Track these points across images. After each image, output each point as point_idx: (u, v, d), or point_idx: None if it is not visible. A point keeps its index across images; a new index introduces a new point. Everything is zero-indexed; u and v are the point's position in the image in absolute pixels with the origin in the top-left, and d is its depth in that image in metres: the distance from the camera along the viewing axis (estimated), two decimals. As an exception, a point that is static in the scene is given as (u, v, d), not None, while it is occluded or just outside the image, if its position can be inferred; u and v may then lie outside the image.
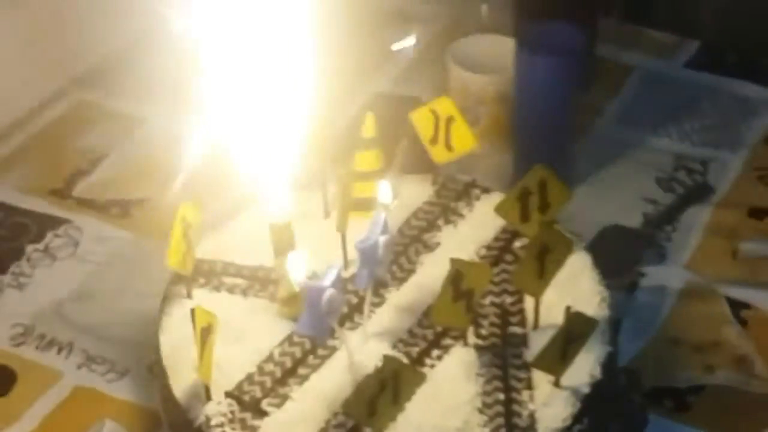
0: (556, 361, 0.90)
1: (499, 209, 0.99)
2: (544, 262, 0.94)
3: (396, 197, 1.05)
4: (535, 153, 1.16)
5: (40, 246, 1.20)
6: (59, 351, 1.08)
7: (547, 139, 1.20)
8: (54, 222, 1.23)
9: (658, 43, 1.46)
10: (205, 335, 0.89)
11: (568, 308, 0.89)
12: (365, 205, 1.02)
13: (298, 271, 0.87)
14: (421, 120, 1.08)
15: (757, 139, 1.31)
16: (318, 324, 0.88)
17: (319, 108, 1.30)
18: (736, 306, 1.10)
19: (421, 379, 0.88)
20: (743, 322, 1.09)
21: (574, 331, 0.89)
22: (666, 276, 1.13)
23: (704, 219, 1.20)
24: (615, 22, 1.46)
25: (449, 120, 1.07)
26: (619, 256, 1.15)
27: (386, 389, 0.84)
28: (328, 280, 0.87)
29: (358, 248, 0.93)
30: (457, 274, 0.91)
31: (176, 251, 0.97)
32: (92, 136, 1.34)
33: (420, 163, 1.11)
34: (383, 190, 0.96)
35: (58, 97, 1.40)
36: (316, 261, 0.93)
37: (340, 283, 0.89)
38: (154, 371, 1.01)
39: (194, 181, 1.21)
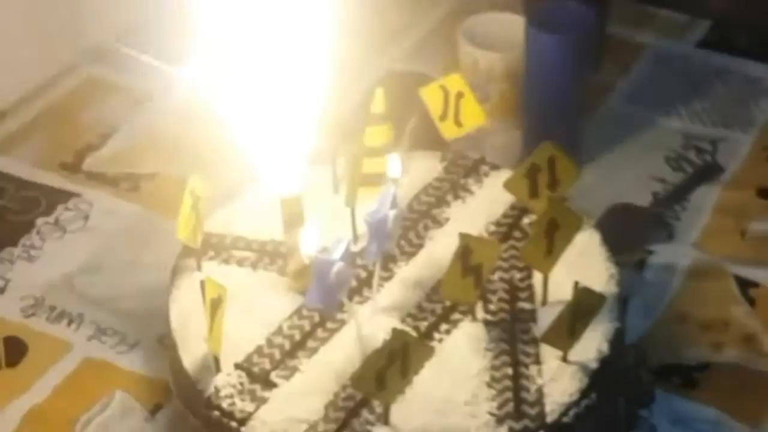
0: (564, 336, 0.90)
1: (508, 185, 0.99)
2: (553, 238, 0.94)
3: (405, 172, 1.06)
4: (545, 131, 1.16)
5: (51, 219, 1.20)
6: (69, 323, 1.09)
7: (556, 117, 1.20)
8: (64, 195, 1.24)
9: (670, 23, 1.45)
10: (214, 307, 0.89)
11: (576, 284, 0.90)
12: (375, 180, 1.02)
13: (310, 244, 0.87)
14: (431, 96, 1.08)
15: (767, 118, 1.31)
16: (326, 297, 0.88)
17: (331, 84, 1.31)
18: (744, 285, 1.10)
19: (429, 352, 0.89)
20: (751, 301, 1.09)
21: (582, 306, 0.90)
22: (674, 254, 1.13)
23: (713, 198, 1.20)
24: (627, 1, 1.46)
25: (459, 96, 1.07)
26: (627, 234, 1.15)
27: (395, 362, 0.84)
28: (336, 253, 0.88)
29: (366, 222, 0.93)
30: (466, 249, 0.91)
31: (185, 224, 0.97)
32: (102, 110, 1.35)
33: (430, 139, 1.11)
34: (392, 165, 0.96)
35: (69, 72, 1.40)
36: (326, 235, 0.93)
37: (349, 256, 0.89)
38: (164, 343, 1.02)
39: (204, 155, 1.22)
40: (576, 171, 1.00)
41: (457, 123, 1.08)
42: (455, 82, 1.08)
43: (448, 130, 1.09)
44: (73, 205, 1.22)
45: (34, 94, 1.37)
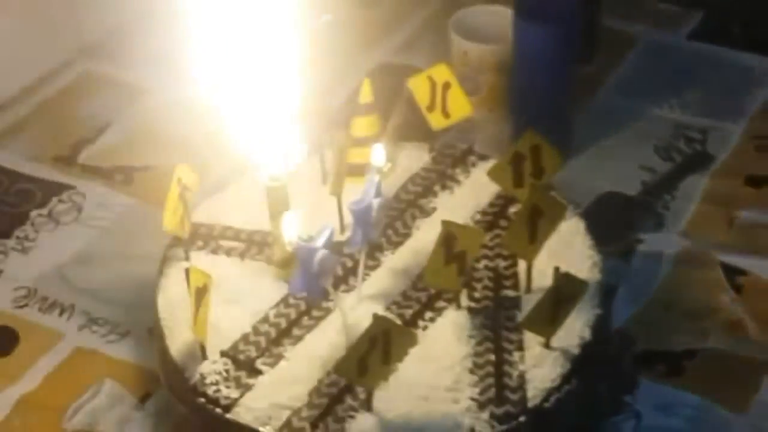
0: (545, 322, 0.91)
1: (492, 174, 1.00)
2: (536, 226, 0.95)
3: (389, 161, 1.07)
4: (534, 121, 1.16)
5: (44, 211, 1.22)
6: (61, 313, 1.10)
7: (545, 107, 1.21)
8: (59, 188, 1.25)
9: (662, 14, 1.46)
10: (199, 295, 0.90)
11: (556, 269, 0.90)
12: (361, 170, 1.03)
13: (291, 231, 0.88)
14: (418, 87, 1.09)
15: (757, 108, 1.31)
16: (310, 285, 0.89)
17: (322, 76, 1.32)
18: (732, 272, 1.11)
19: (411, 338, 0.89)
20: (738, 289, 1.09)
21: (564, 293, 0.90)
22: (662, 242, 1.13)
23: (702, 187, 1.21)
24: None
25: (446, 86, 1.08)
26: (615, 222, 1.15)
27: (376, 349, 0.85)
28: (320, 241, 0.89)
29: (351, 210, 0.94)
30: (449, 236, 0.92)
31: (172, 214, 0.98)
32: (97, 104, 1.36)
33: (421, 130, 1.12)
34: (376, 154, 0.97)
35: (65, 67, 1.41)
36: (313, 225, 0.94)
37: (333, 244, 0.90)
38: (153, 332, 1.03)
39: (195, 147, 1.23)
40: (559, 159, 1.01)
41: (445, 114, 1.09)
42: (442, 73, 1.08)
43: (436, 121, 1.09)
44: (67, 197, 1.23)
45: (31, 88, 1.38)
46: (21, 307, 1.11)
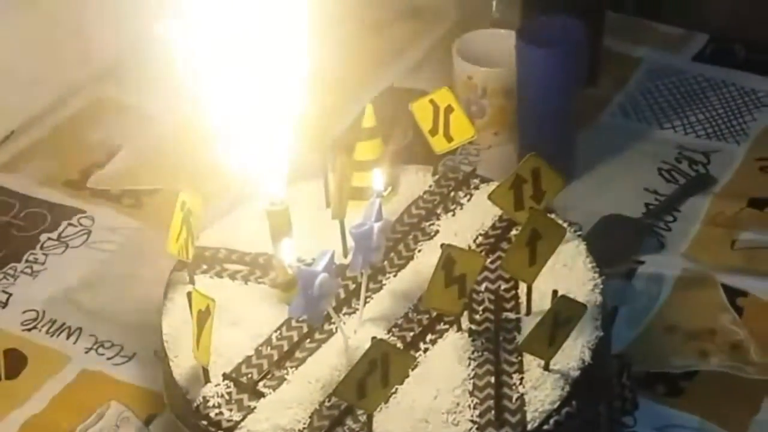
0: (544, 344, 0.91)
1: (493, 198, 1.01)
2: (535, 248, 0.95)
3: (390, 185, 1.08)
4: (539, 144, 1.17)
5: (54, 235, 1.23)
6: (68, 336, 1.11)
7: (549, 130, 1.22)
8: (68, 212, 1.26)
9: (667, 37, 1.47)
10: (202, 318, 0.91)
11: (554, 292, 0.91)
12: (365, 193, 1.04)
13: (288, 255, 0.89)
14: (421, 111, 1.10)
15: (761, 129, 1.32)
16: (311, 308, 0.90)
17: (330, 100, 1.33)
18: (733, 294, 1.11)
19: (410, 360, 0.90)
20: (739, 310, 1.10)
21: (562, 315, 0.91)
22: (664, 264, 1.14)
23: (704, 209, 1.21)
24: (625, 16, 1.48)
25: (448, 110, 1.09)
26: (617, 244, 1.16)
27: (375, 372, 0.86)
28: (320, 264, 0.90)
29: (352, 234, 0.95)
30: (449, 259, 0.93)
31: (176, 238, 1.00)
32: (107, 130, 1.38)
33: (427, 153, 1.13)
34: (377, 178, 0.98)
35: (75, 93, 1.43)
36: (316, 249, 0.95)
37: (333, 267, 0.91)
38: (158, 355, 1.04)
39: (203, 171, 1.24)
40: (560, 181, 1.02)
41: (448, 137, 1.10)
42: (444, 97, 1.09)
43: (439, 145, 1.11)
44: (76, 221, 1.25)
45: (42, 114, 1.41)
46: (29, 330, 1.12)
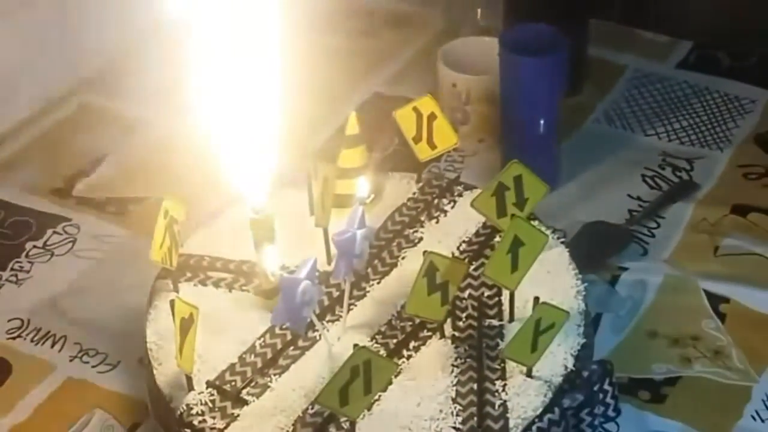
0: (526, 351, 0.92)
1: (476, 205, 1.01)
2: (518, 255, 0.96)
3: (374, 193, 1.08)
4: (522, 151, 1.18)
5: (39, 243, 1.23)
6: (53, 344, 1.11)
7: (532, 137, 1.22)
8: (54, 220, 1.26)
9: (651, 44, 1.48)
10: (185, 326, 0.92)
11: (536, 299, 0.92)
12: (348, 201, 1.04)
13: (271, 263, 0.89)
14: (404, 119, 1.11)
15: (744, 136, 1.32)
16: (293, 315, 0.90)
17: (314, 108, 1.33)
18: (716, 300, 1.12)
19: (392, 368, 0.91)
20: (721, 316, 1.10)
21: (544, 322, 0.92)
22: (647, 270, 1.14)
23: (688, 215, 1.22)
24: (609, 23, 1.48)
25: (431, 117, 1.09)
26: (600, 251, 1.16)
27: (357, 379, 0.87)
28: (303, 272, 0.90)
29: (335, 241, 0.95)
30: (431, 266, 0.93)
31: (159, 245, 1.00)
32: (93, 137, 1.38)
33: (412, 160, 1.13)
34: (360, 186, 0.98)
35: (61, 100, 1.43)
36: (300, 256, 0.95)
37: (316, 275, 0.91)
38: (143, 363, 1.04)
39: (189, 180, 1.24)
40: (543, 188, 1.02)
41: (431, 144, 1.11)
42: (427, 104, 1.10)
43: (422, 152, 1.11)
44: (61, 229, 1.25)
45: (28, 121, 1.41)
46: (14, 338, 1.12)
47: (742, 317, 1.10)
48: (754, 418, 1.01)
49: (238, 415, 0.93)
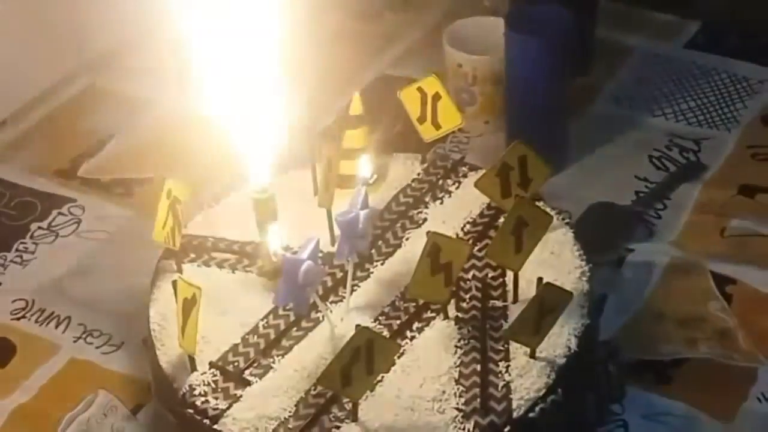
0: (529, 332, 0.91)
1: (479, 185, 1.01)
2: (522, 236, 0.95)
3: (377, 173, 1.08)
4: (528, 132, 1.17)
5: (44, 224, 1.23)
6: (57, 325, 1.11)
7: (538, 118, 1.22)
8: (59, 201, 1.26)
9: (659, 25, 1.47)
10: (188, 307, 0.91)
11: (540, 280, 0.91)
12: (352, 182, 1.04)
13: (274, 243, 0.89)
14: (409, 98, 1.10)
15: (752, 117, 1.31)
16: (296, 296, 0.90)
17: (319, 89, 1.33)
18: (722, 281, 1.11)
19: (395, 348, 0.90)
20: (728, 297, 1.10)
21: (548, 303, 0.91)
22: (653, 252, 1.14)
23: (695, 197, 1.21)
24: (617, 4, 1.47)
25: (436, 97, 1.09)
26: (607, 232, 1.16)
27: (360, 360, 0.86)
28: (305, 252, 0.90)
29: (338, 222, 0.95)
30: (434, 247, 0.92)
31: (162, 226, 1.00)
32: (98, 118, 1.38)
33: (418, 141, 1.13)
34: (363, 166, 0.98)
35: (67, 81, 1.43)
36: (303, 237, 0.94)
37: (319, 255, 0.91)
38: (146, 343, 1.04)
39: (195, 160, 1.24)
40: (547, 170, 1.02)
41: (435, 125, 1.10)
42: (432, 84, 1.09)
43: (427, 132, 1.10)
44: (66, 210, 1.25)
45: (34, 102, 1.41)
46: (18, 319, 1.12)
47: (749, 299, 1.09)
48: (759, 400, 1.00)
49: (241, 396, 0.92)
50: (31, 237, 1.22)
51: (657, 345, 1.05)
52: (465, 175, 1.12)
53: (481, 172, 1.11)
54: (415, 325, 0.98)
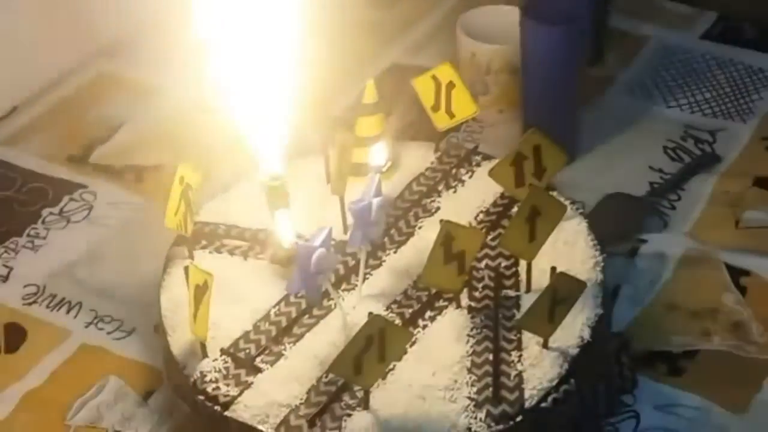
0: (542, 322, 0.91)
1: (494, 174, 1.00)
2: (535, 225, 0.95)
3: (390, 161, 1.07)
4: (542, 121, 1.16)
5: (56, 210, 1.23)
6: (69, 310, 1.11)
7: (553, 107, 1.21)
8: (70, 187, 1.26)
9: (675, 15, 1.46)
10: (200, 293, 0.91)
11: (553, 269, 0.90)
12: (365, 169, 1.03)
13: (286, 230, 0.88)
14: (423, 86, 1.09)
15: (768, 108, 1.31)
16: (308, 284, 0.90)
17: (332, 77, 1.32)
18: (736, 273, 1.10)
19: (407, 336, 0.90)
20: (742, 289, 1.09)
21: (562, 292, 0.91)
22: (667, 243, 1.13)
23: (709, 188, 1.20)
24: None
25: (450, 86, 1.08)
26: (620, 222, 1.15)
27: (372, 348, 0.86)
28: (318, 240, 0.89)
29: (351, 210, 0.94)
30: (447, 236, 0.92)
31: (174, 212, 0.99)
32: (110, 105, 1.38)
33: (431, 130, 1.12)
34: (376, 154, 0.97)
35: (79, 68, 1.43)
36: (316, 224, 0.94)
37: (331, 243, 0.91)
38: (158, 330, 1.04)
39: (206, 147, 1.24)
40: (562, 159, 1.01)
41: (449, 113, 1.10)
42: (446, 72, 1.09)
43: (440, 121, 1.10)
44: (78, 195, 1.25)
45: (46, 89, 1.40)
46: (30, 304, 1.12)
47: (763, 290, 1.09)
48: (773, 392, 1.00)
49: (252, 383, 0.92)
50: (43, 222, 1.22)
51: (670, 336, 1.05)
52: (478, 165, 1.12)
53: (494, 162, 1.10)
54: (428, 313, 0.97)
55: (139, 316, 1.09)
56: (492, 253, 1.02)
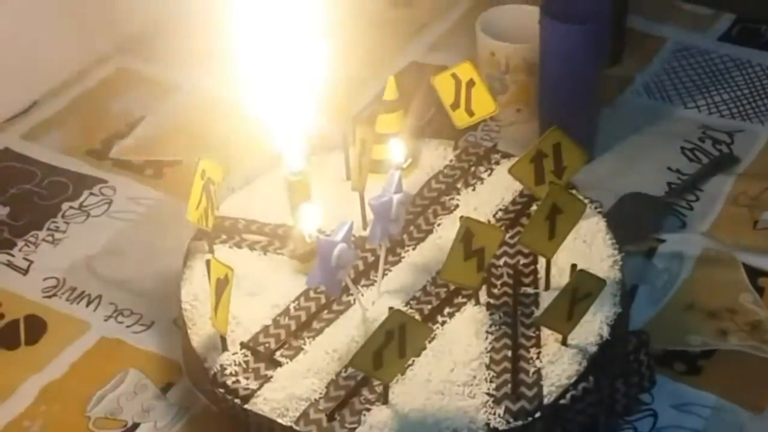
0: (562, 319, 0.91)
1: (513, 171, 1.01)
2: (555, 223, 0.95)
3: (410, 158, 1.07)
4: (560, 121, 1.16)
5: (76, 204, 1.24)
6: (88, 303, 1.12)
7: (571, 107, 1.21)
8: (90, 181, 1.27)
9: (693, 16, 1.46)
10: (220, 287, 0.92)
11: (573, 266, 0.91)
12: (385, 166, 1.04)
13: (308, 225, 0.89)
14: (442, 85, 1.10)
15: (786, 110, 1.31)
16: (328, 278, 0.90)
17: (353, 74, 1.33)
18: (754, 274, 1.10)
19: (427, 332, 0.90)
20: (760, 290, 1.09)
21: (581, 290, 0.91)
22: (685, 243, 1.13)
23: (727, 188, 1.20)
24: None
25: (470, 84, 1.08)
26: (638, 222, 1.16)
27: (392, 342, 0.86)
28: (339, 235, 0.90)
29: (371, 205, 0.95)
30: (467, 232, 0.92)
31: (196, 206, 1.00)
32: (130, 100, 1.38)
33: (449, 128, 1.13)
34: (396, 150, 0.98)
35: (100, 63, 1.43)
36: (336, 220, 0.95)
37: (352, 238, 0.91)
38: (178, 323, 1.04)
39: (225, 143, 1.24)
40: (582, 157, 1.01)
41: (469, 112, 1.10)
42: (466, 71, 1.09)
43: (460, 119, 1.10)
44: (98, 190, 1.25)
45: (67, 84, 1.41)
46: (50, 297, 1.13)
47: (781, 291, 1.09)
48: (789, 393, 1.01)
49: (272, 377, 0.93)
50: (63, 216, 1.22)
51: (687, 335, 1.05)
52: (497, 163, 1.12)
53: (513, 160, 1.10)
54: (447, 310, 0.98)
55: (158, 310, 1.10)
56: (511, 250, 1.02)
